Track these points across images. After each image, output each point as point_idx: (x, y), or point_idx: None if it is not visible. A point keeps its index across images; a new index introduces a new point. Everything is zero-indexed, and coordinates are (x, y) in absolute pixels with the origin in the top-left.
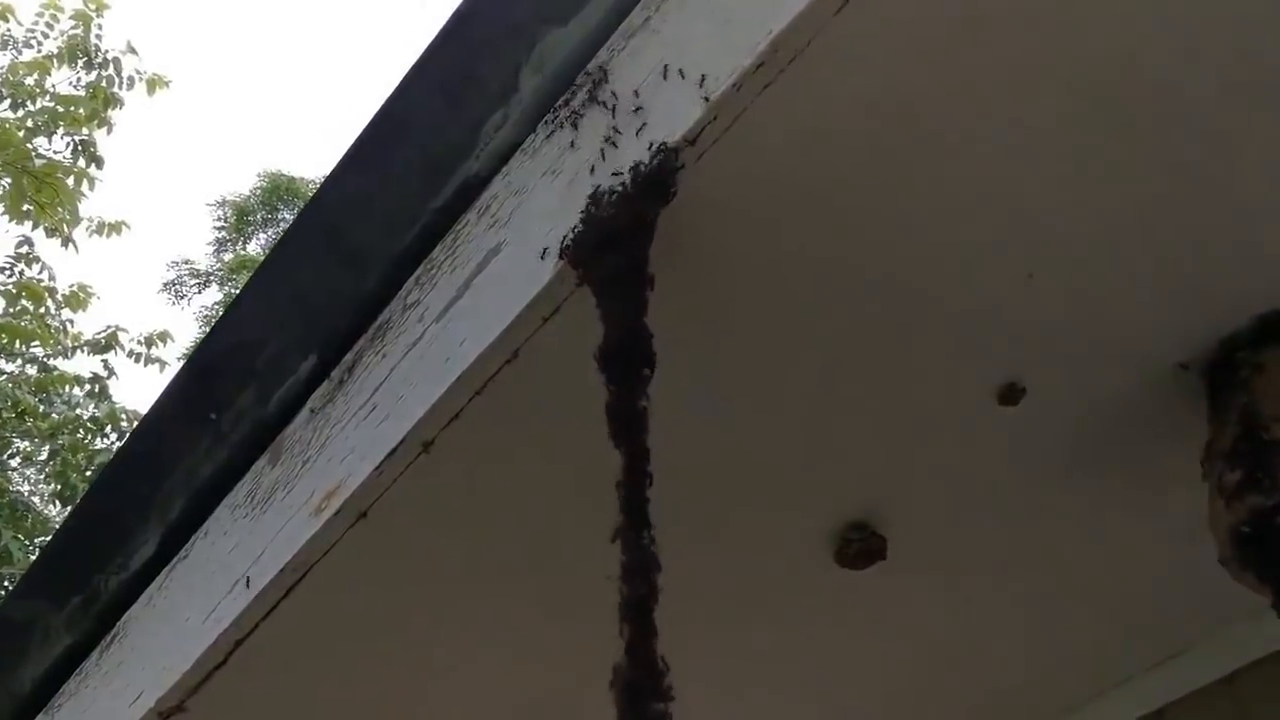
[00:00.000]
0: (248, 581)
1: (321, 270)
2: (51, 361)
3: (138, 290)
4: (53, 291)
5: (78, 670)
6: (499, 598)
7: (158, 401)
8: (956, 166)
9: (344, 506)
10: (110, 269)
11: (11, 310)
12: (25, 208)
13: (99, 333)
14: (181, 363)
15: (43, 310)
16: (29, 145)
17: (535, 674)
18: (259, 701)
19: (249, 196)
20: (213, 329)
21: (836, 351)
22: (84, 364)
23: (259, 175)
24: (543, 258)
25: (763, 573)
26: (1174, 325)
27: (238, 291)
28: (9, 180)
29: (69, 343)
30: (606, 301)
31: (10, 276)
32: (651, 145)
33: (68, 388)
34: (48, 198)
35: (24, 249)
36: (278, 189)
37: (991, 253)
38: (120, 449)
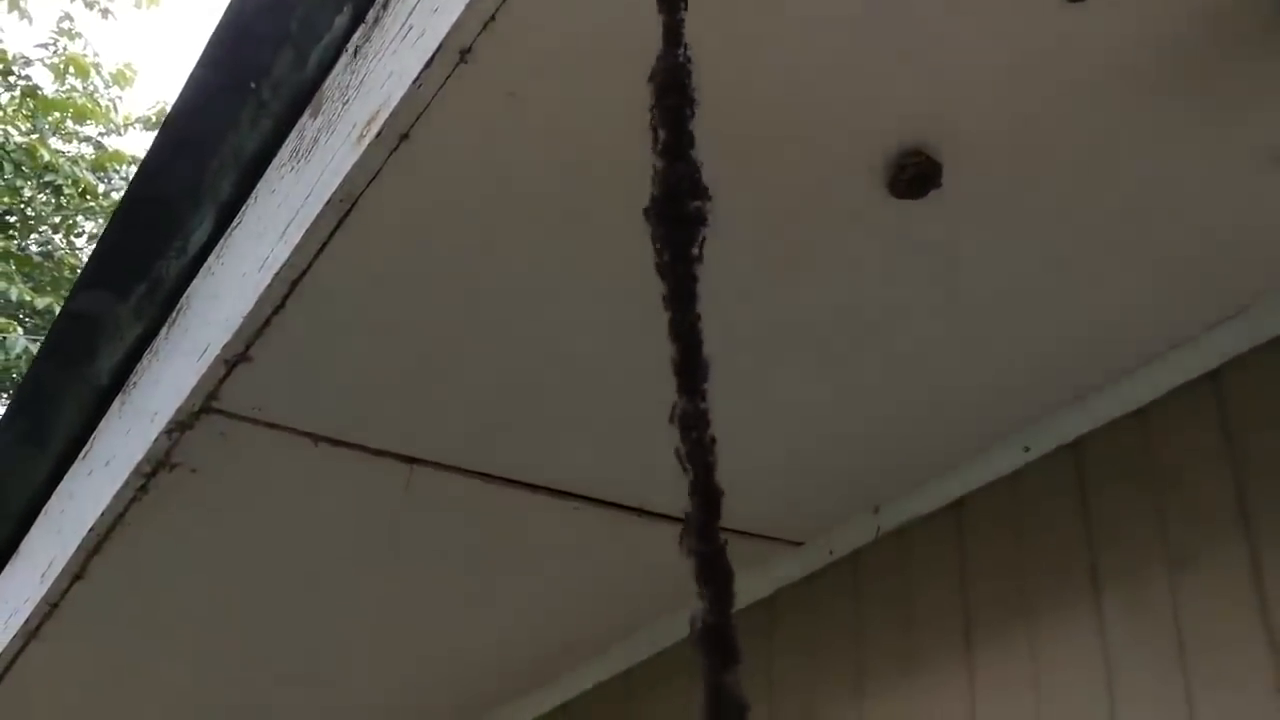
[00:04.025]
0: (297, 223)
1: None
2: (105, 140)
3: (182, 69)
4: (98, 68)
5: (149, 349)
6: (550, 240)
7: (193, 76)
8: None
9: (384, 129)
10: (152, 48)
11: (60, 88)
12: None
13: (149, 109)
14: (212, 31)
15: (91, 88)
16: None
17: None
18: (319, 347)
19: None
20: None
21: None
22: (137, 141)
23: None
24: None
25: (810, 209)
26: None
27: None
28: None
29: (120, 121)
30: None
31: (55, 53)
32: None
33: (124, 166)
34: None
35: (65, 24)
36: None
37: None
38: (163, 131)
